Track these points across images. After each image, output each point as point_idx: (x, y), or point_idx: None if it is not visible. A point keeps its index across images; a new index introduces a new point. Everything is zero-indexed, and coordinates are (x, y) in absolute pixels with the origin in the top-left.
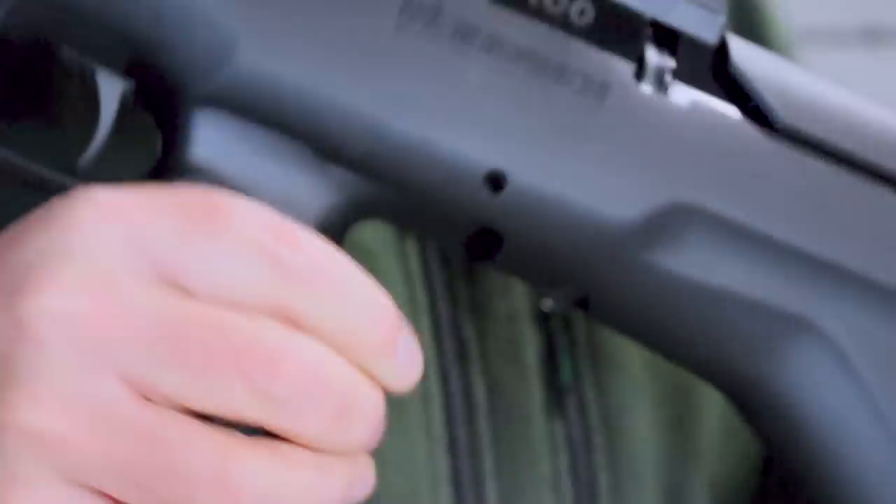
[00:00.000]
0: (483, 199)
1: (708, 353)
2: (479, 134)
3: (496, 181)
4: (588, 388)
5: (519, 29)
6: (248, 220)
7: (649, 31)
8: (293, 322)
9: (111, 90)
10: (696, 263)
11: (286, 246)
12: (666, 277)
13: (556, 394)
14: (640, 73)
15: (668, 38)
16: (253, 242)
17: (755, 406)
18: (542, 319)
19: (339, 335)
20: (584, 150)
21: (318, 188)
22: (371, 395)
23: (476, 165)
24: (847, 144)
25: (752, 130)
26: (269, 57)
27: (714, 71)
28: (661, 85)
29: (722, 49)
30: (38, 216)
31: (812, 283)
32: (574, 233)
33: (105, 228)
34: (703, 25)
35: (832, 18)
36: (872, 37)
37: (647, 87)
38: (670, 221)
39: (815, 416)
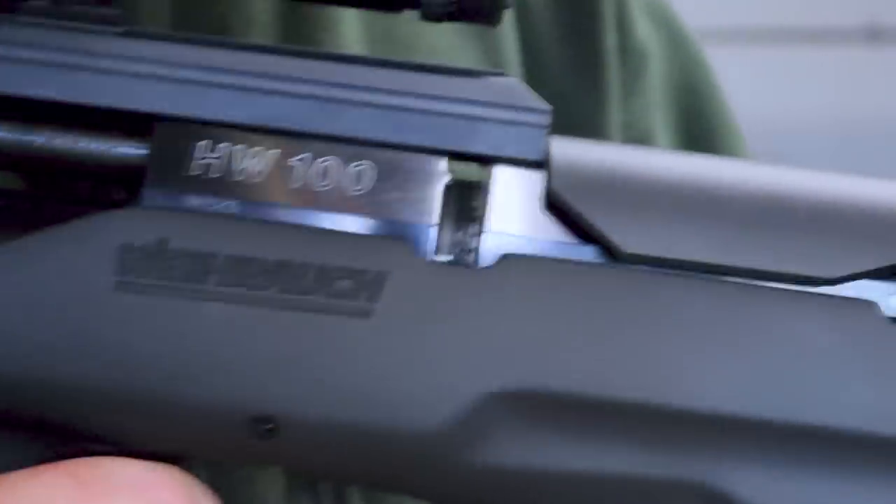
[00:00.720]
0: (259, 448)
1: None
2: (232, 380)
3: (266, 427)
4: None
5: (268, 240)
6: None
7: (445, 176)
8: None
9: None
10: (541, 451)
11: None
12: (509, 474)
13: None
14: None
15: (475, 175)
16: None
17: None
18: None
19: None
20: (358, 368)
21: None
22: None
23: (237, 415)
24: (704, 253)
25: (583, 272)
26: None
27: (543, 196)
28: (462, 247)
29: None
30: None
31: (699, 442)
32: (379, 456)
33: None
34: (524, 146)
35: (833, 18)
36: (873, 36)
37: (442, 257)
38: (493, 412)
39: None
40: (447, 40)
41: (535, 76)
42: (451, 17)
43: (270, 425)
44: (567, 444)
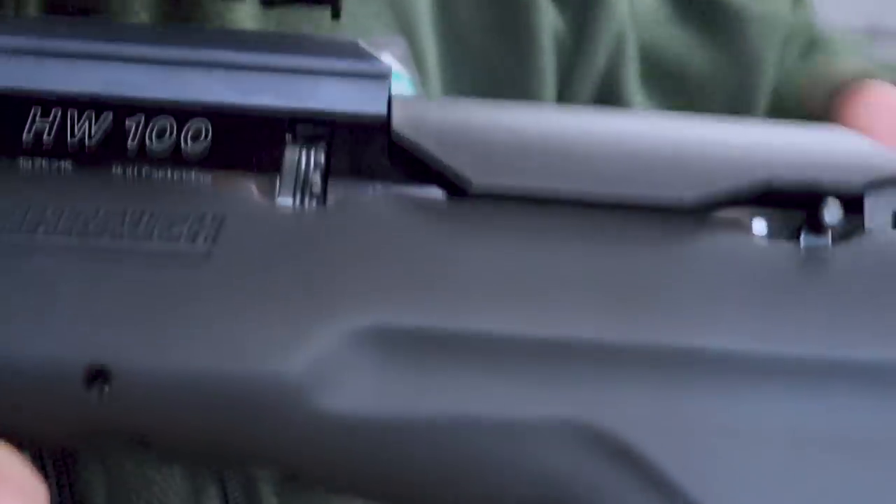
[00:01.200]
0: (94, 407)
1: (471, 499)
2: (63, 331)
3: (100, 380)
4: None
5: (100, 192)
6: None
7: (288, 129)
8: None
9: None
10: (388, 396)
11: None
12: (364, 423)
13: None
14: (280, 186)
15: (318, 128)
16: None
17: None
18: None
19: None
20: (196, 313)
21: None
22: None
23: (69, 368)
24: (557, 183)
25: (429, 207)
26: None
27: (385, 146)
28: (305, 193)
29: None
30: None
31: (557, 375)
32: (225, 411)
33: None
34: (364, 100)
35: (833, 18)
36: (874, 36)
37: (285, 201)
38: (345, 354)
39: None
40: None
41: (449, 35)
42: None
43: (104, 377)
44: (431, 387)
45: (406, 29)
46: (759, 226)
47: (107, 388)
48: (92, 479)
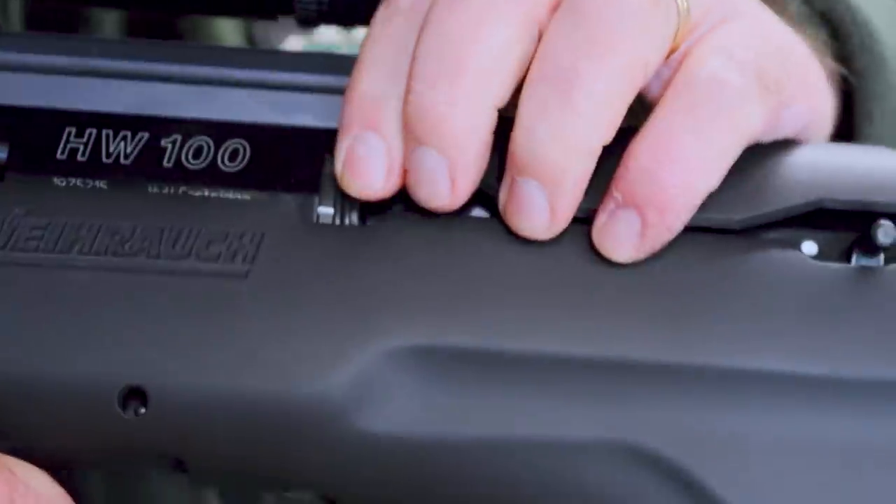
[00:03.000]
0: (131, 427)
1: None
2: (100, 351)
3: (136, 400)
4: None
5: (137, 210)
6: None
7: (326, 147)
8: None
9: None
10: (429, 417)
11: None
12: (405, 444)
13: None
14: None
15: None
16: None
17: None
18: None
19: None
20: (235, 332)
21: None
22: None
23: (106, 388)
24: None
25: (472, 223)
26: None
27: None
28: (344, 210)
29: None
30: None
31: (604, 396)
32: (262, 431)
33: None
34: None
35: None
36: None
37: (324, 219)
38: (385, 372)
39: None
40: None
41: None
42: (324, 19)
43: (140, 398)
44: (470, 406)
45: None
46: (810, 247)
47: (143, 409)
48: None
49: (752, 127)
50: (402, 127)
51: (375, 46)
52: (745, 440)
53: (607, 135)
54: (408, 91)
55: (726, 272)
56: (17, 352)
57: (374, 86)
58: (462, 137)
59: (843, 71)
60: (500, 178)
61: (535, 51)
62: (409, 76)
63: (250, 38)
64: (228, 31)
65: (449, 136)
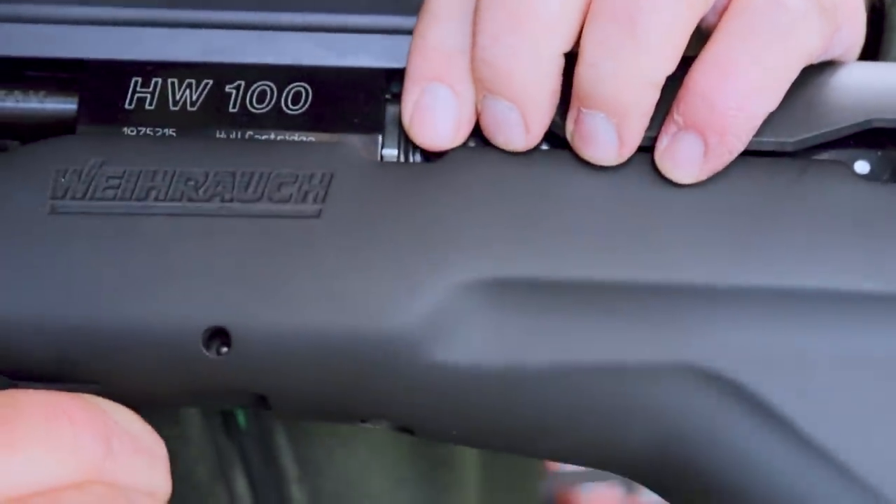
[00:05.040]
0: (214, 365)
1: (587, 445)
2: (181, 294)
3: (220, 339)
4: None
5: (208, 155)
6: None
7: (386, 87)
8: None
9: None
10: (503, 346)
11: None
12: (480, 373)
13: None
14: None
15: None
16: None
17: (668, 483)
18: None
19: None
20: (311, 271)
21: None
22: None
23: (189, 330)
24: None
25: (533, 155)
26: None
27: None
28: (409, 148)
29: None
30: None
31: (670, 320)
32: (341, 364)
33: None
34: None
35: None
36: None
37: (390, 157)
38: (459, 305)
39: (731, 473)
40: None
41: None
42: None
43: (223, 338)
44: (542, 334)
45: None
46: (862, 166)
47: (225, 349)
48: None
49: (810, 49)
50: (470, 77)
51: None
52: (803, 357)
53: (670, 66)
54: (473, 44)
55: (782, 194)
56: (103, 299)
57: (441, 37)
58: (530, 85)
59: None
60: (563, 111)
61: None
62: (473, 28)
63: None
64: None
65: (518, 85)
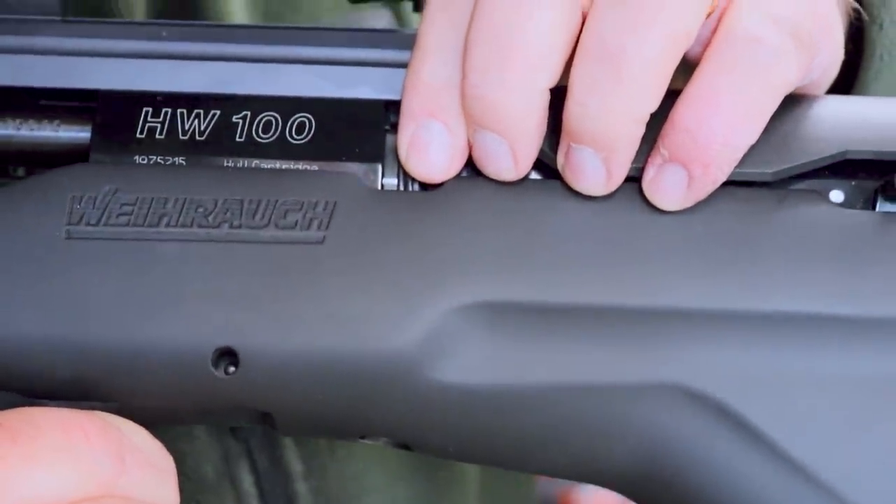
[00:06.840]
0: (223, 386)
1: (576, 461)
2: (191, 316)
3: (228, 360)
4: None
5: (217, 183)
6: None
7: (386, 117)
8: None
9: None
10: (497, 367)
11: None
12: (475, 393)
13: None
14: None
15: None
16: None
17: (654, 498)
18: None
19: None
20: (315, 294)
21: None
22: None
23: (199, 351)
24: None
25: (526, 184)
26: None
27: None
28: (408, 176)
29: None
30: None
31: (656, 342)
32: (342, 383)
33: None
34: None
35: None
36: None
37: (390, 185)
38: (454, 328)
39: (713, 488)
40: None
41: None
42: None
43: (231, 358)
44: (534, 355)
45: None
46: (837, 195)
47: (233, 369)
48: None
49: (788, 82)
50: (462, 110)
51: (434, 31)
52: (782, 378)
53: (654, 103)
54: (464, 79)
55: (762, 222)
56: (118, 321)
57: (434, 73)
58: (518, 119)
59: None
60: (553, 143)
61: (581, 29)
62: (464, 65)
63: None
64: (237, 5)
65: (506, 119)
